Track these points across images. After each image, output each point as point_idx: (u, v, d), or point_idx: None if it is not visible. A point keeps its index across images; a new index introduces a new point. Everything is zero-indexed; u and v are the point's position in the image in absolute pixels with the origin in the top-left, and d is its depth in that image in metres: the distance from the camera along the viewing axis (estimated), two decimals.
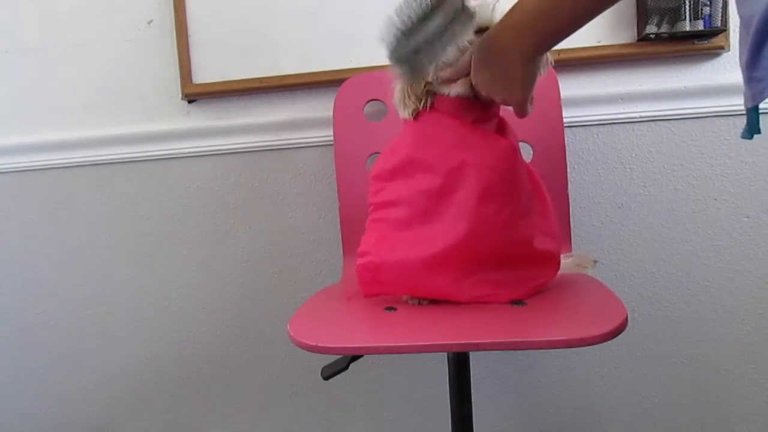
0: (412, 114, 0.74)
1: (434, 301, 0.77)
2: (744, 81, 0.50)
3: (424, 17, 0.61)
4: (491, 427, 1.15)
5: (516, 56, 0.63)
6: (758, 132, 0.53)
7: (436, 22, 0.61)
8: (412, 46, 0.62)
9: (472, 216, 0.70)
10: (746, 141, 1.02)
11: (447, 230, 0.71)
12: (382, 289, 0.76)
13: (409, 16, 0.61)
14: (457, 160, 0.71)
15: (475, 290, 0.72)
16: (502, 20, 0.64)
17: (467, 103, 0.72)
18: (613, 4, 0.59)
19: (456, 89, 0.71)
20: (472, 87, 0.70)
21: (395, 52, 0.63)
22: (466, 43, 0.65)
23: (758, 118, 0.52)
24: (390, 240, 0.74)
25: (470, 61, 0.68)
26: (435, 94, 0.73)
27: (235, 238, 1.16)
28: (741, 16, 0.51)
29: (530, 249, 0.74)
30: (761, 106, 0.50)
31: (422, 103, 0.73)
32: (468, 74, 0.69)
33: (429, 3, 0.61)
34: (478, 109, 0.73)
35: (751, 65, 0.48)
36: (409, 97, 0.73)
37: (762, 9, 0.45)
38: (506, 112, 0.78)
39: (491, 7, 0.66)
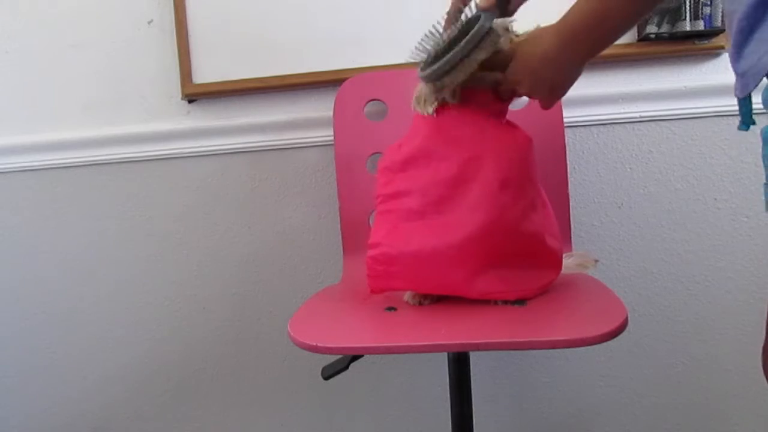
0: (434, 109, 0.73)
1: (435, 301, 0.77)
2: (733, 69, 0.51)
3: (452, 43, 0.67)
4: (491, 427, 1.15)
5: (571, 63, 0.66)
6: (753, 123, 0.54)
7: (461, 48, 0.65)
8: (438, 67, 0.67)
9: (492, 205, 0.70)
10: (746, 141, 1.03)
11: (464, 220, 0.70)
12: (391, 284, 0.75)
13: (438, 44, 0.69)
14: (475, 151, 0.71)
15: (485, 286, 0.72)
16: (552, 29, 0.65)
17: (487, 96, 0.72)
18: (659, 3, 0.61)
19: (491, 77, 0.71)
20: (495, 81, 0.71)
21: (424, 72, 0.69)
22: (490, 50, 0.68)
23: (751, 109, 0.53)
24: (402, 231, 0.73)
25: (504, 59, 0.69)
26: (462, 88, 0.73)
27: (235, 238, 1.16)
28: (725, 11, 0.51)
29: (542, 244, 0.74)
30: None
31: (455, 96, 0.72)
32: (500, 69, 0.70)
33: (458, 32, 0.67)
34: (496, 102, 0.73)
35: (734, 61, 0.49)
36: (440, 91, 0.71)
37: (743, 8, 0.45)
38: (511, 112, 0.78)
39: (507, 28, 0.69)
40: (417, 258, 0.71)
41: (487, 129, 0.72)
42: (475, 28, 0.65)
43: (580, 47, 0.64)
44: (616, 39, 0.63)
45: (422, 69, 0.69)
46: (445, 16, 0.73)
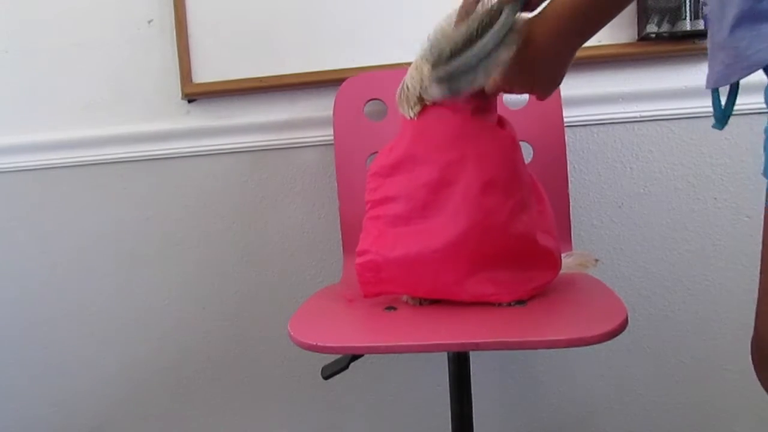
0: (416, 113, 0.73)
1: (435, 301, 0.77)
2: (709, 60, 0.51)
3: (471, 39, 0.59)
4: (491, 427, 1.15)
5: (565, 56, 0.65)
6: (726, 123, 0.54)
7: (483, 45, 0.58)
8: (455, 67, 0.60)
9: (475, 208, 0.69)
10: (746, 141, 1.03)
11: (447, 224, 0.70)
12: (382, 289, 0.75)
13: (456, 41, 0.60)
14: (456, 153, 0.71)
15: (477, 289, 0.72)
16: (537, 22, 0.62)
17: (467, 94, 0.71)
18: None
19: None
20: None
21: (437, 73, 0.62)
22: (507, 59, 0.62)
23: (725, 106, 0.53)
24: (390, 237, 0.73)
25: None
26: None
27: (235, 238, 1.16)
28: None
29: (533, 244, 0.73)
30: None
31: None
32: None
33: (477, 26, 0.59)
34: (477, 99, 0.72)
35: (719, 47, 0.48)
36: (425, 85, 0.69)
37: None
38: (503, 110, 0.78)
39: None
40: (403, 264, 0.72)
41: (468, 130, 0.72)
42: (500, 21, 0.56)
43: (570, 36, 0.62)
44: (608, 21, 0.62)
45: (433, 67, 0.61)
46: (456, 10, 0.65)
